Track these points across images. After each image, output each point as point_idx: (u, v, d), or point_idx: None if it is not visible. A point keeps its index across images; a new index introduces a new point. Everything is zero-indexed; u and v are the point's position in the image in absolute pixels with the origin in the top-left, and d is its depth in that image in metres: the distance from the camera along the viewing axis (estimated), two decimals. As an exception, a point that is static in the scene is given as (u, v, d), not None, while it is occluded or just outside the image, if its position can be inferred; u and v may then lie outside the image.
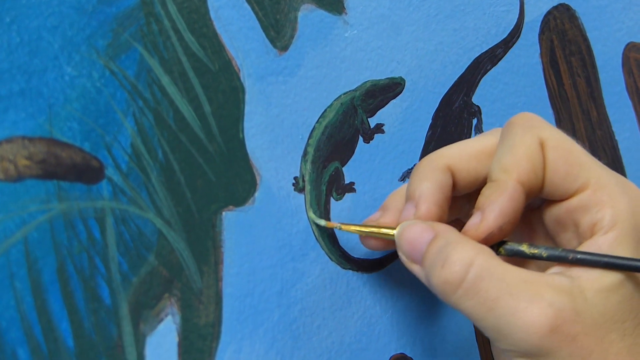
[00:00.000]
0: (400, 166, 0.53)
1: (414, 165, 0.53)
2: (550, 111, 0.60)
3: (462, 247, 0.41)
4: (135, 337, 0.43)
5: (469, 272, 0.40)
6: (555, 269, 0.42)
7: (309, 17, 0.50)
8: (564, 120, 0.60)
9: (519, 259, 0.45)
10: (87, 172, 0.42)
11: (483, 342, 0.55)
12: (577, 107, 0.61)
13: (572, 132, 0.61)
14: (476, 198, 0.44)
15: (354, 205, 0.51)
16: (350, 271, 0.50)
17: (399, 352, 0.52)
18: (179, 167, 0.44)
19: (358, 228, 0.48)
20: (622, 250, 0.41)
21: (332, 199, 0.50)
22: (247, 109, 0.47)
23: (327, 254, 0.49)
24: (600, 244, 0.41)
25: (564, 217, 0.44)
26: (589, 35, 0.62)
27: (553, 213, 0.45)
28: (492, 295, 0.40)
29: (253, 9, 0.47)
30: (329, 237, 0.50)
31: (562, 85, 0.60)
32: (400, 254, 0.45)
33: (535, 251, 0.43)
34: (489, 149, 0.46)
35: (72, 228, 0.41)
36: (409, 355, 0.52)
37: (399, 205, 0.47)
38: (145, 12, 0.44)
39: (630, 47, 0.64)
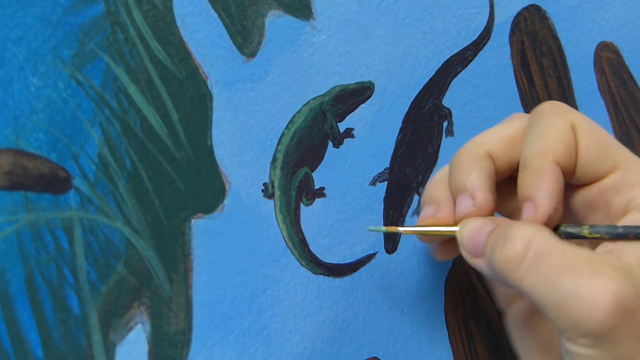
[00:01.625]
0: (370, 170, 0.53)
1: (385, 169, 0.53)
2: (521, 112, 0.60)
3: (522, 226, 0.41)
4: (105, 346, 0.43)
5: (530, 248, 0.40)
6: (601, 248, 0.42)
7: (276, 23, 0.50)
8: (536, 121, 0.60)
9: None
10: (54, 183, 0.42)
11: (456, 345, 0.56)
12: (549, 108, 0.61)
13: (544, 132, 0.61)
14: (508, 185, 0.45)
15: (324, 210, 0.51)
16: (322, 276, 0.50)
17: (371, 356, 0.52)
18: (146, 176, 0.44)
19: (421, 229, 0.48)
20: None
21: (302, 205, 0.50)
22: (215, 116, 0.47)
23: (297, 260, 0.49)
24: (637, 221, 0.42)
25: (595, 199, 0.44)
26: (560, 35, 0.62)
27: (583, 196, 0.45)
28: (555, 271, 0.39)
29: (220, 15, 0.47)
30: (299, 243, 0.50)
31: (533, 86, 0.61)
32: (462, 251, 0.45)
33: (596, 234, 0.43)
34: (519, 133, 0.46)
35: (40, 239, 0.41)
36: (381, 359, 0.52)
37: (448, 196, 0.47)
38: (111, 21, 0.44)
39: (602, 47, 0.64)
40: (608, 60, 0.65)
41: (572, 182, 0.45)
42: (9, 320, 0.40)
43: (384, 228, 0.50)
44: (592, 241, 0.44)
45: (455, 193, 0.46)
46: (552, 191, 0.42)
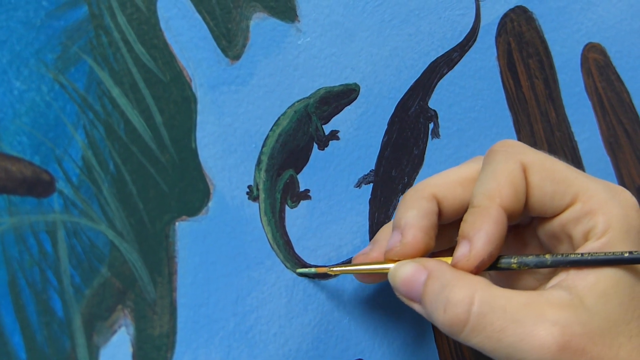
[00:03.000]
0: (355, 172, 0.53)
1: (370, 171, 0.53)
2: (508, 114, 0.60)
3: (460, 287, 0.42)
4: (89, 349, 0.43)
5: (471, 311, 0.41)
6: (553, 281, 0.43)
7: (261, 25, 0.50)
8: (522, 123, 0.60)
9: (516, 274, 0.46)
10: (37, 186, 0.42)
11: (442, 346, 0.56)
12: (536, 109, 0.61)
13: (531, 134, 0.61)
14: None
15: (309, 212, 0.51)
16: (307, 278, 0.50)
17: (357, 358, 0.52)
18: (130, 179, 0.44)
19: (350, 268, 0.49)
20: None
21: (286, 207, 0.50)
22: (199, 118, 0.47)
23: (282, 262, 0.50)
24: (593, 248, 0.42)
25: (557, 231, 0.45)
26: (546, 36, 0.62)
27: (546, 229, 0.45)
28: (498, 327, 0.40)
29: (204, 18, 0.47)
30: (284, 245, 0.50)
31: (520, 87, 0.61)
32: (397, 294, 0.45)
33: (525, 267, 0.44)
34: (473, 175, 0.46)
35: (23, 242, 0.41)
36: (367, 360, 0.52)
37: (388, 236, 0.47)
38: (95, 24, 0.44)
39: (589, 48, 0.65)
40: (595, 61, 0.65)
41: (532, 216, 0.45)
42: (-8, 324, 0.40)
43: (313, 270, 0.50)
44: (550, 269, 0.45)
45: (392, 230, 0.46)
46: (491, 236, 0.43)
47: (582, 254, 0.41)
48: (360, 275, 0.49)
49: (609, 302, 0.40)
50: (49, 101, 0.42)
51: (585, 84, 0.64)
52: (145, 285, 0.44)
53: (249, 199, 0.49)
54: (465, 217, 0.44)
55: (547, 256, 0.43)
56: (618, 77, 0.66)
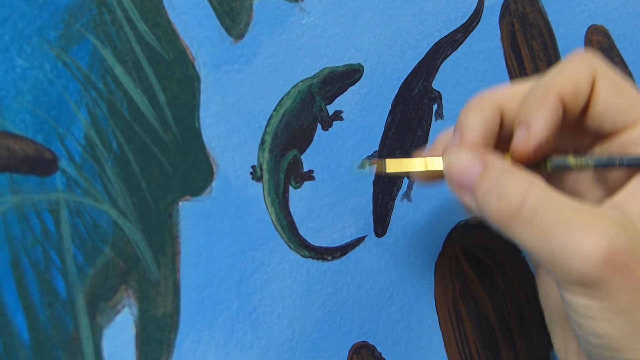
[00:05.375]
0: (359, 153, 0.53)
1: (374, 152, 0.53)
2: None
3: (517, 179, 0.41)
4: (92, 329, 0.42)
5: (524, 203, 0.40)
6: (608, 202, 0.42)
7: (264, 4, 0.49)
8: (526, 104, 0.60)
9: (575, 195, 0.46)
10: (40, 165, 0.41)
11: (446, 328, 0.56)
12: (539, 91, 0.61)
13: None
14: None
15: (313, 193, 0.51)
16: (310, 259, 0.50)
17: (361, 340, 0.52)
18: (134, 158, 0.44)
19: (406, 159, 0.46)
20: None
21: (290, 188, 0.50)
22: (202, 98, 0.47)
23: (286, 243, 0.49)
24: None
25: (615, 153, 0.44)
26: (550, 18, 0.62)
27: (605, 150, 0.45)
28: (548, 225, 0.39)
29: (207, -3, 0.47)
30: (288, 226, 0.49)
31: (523, 69, 0.60)
32: (449, 183, 0.44)
33: (581, 162, 0.43)
34: None
35: (26, 221, 0.41)
36: (371, 343, 0.52)
37: (447, 143, 0.47)
38: (97, 2, 0.43)
39: (593, 30, 0.64)
40: (599, 43, 0.65)
41: (589, 129, 0.45)
42: (-5, 304, 0.40)
43: (367, 163, 0.49)
44: (600, 194, 0.44)
45: (453, 133, 0.45)
46: (548, 120, 0.42)
47: (632, 156, 0.41)
48: (416, 175, 0.48)
49: None
50: (51, 79, 0.42)
51: (589, 67, 0.64)
52: (149, 265, 0.44)
53: (252, 179, 0.48)
54: (521, 104, 0.44)
55: (607, 156, 0.42)
56: (621, 59, 0.66)
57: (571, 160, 0.43)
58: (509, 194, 0.41)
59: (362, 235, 0.53)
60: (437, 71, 0.56)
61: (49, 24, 0.42)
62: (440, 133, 0.49)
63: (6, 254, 0.40)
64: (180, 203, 0.46)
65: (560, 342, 0.48)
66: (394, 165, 0.47)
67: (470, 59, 0.58)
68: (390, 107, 0.54)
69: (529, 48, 0.61)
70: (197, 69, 0.47)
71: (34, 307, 0.41)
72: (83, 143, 0.43)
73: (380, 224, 0.54)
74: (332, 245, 0.51)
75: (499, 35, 0.59)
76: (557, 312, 0.48)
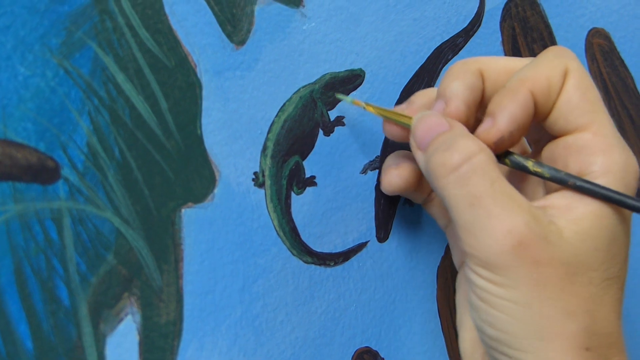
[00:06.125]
0: (361, 159, 0.53)
1: (376, 157, 0.53)
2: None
3: (470, 141, 0.42)
4: (95, 337, 0.42)
5: (466, 162, 0.41)
6: (541, 201, 0.43)
7: (266, 10, 0.49)
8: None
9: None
10: (42, 173, 0.41)
11: (449, 333, 0.56)
12: (540, 95, 0.61)
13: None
14: None
15: (315, 199, 0.51)
16: (313, 265, 0.50)
17: (364, 345, 0.52)
18: (136, 165, 0.44)
19: (381, 111, 0.48)
20: None
21: (292, 194, 0.50)
22: (204, 104, 0.47)
23: (288, 249, 0.49)
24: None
25: (557, 155, 0.44)
26: (551, 21, 0.62)
27: (551, 149, 0.45)
28: (477, 192, 0.40)
29: (209, 3, 0.47)
30: (290, 232, 0.49)
31: (524, 73, 0.60)
32: (411, 139, 0.45)
33: (538, 169, 0.43)
34: (519, 68, 0.46)
35: (29, 229, 0.41)
36: (374, 348, 0.52)
37: (425, 102, 0.48)
38: (99, 9, 0.43)
39: (594, 33, 0.64)
40: (599, 46, 0.65)
41: (545, 125, 0.45)
42: (-2, 312, 0.40)
43: (349, 99, 0.51)
44: (539, 191, 0.45)
45: (436, 98, 0.46)
46: (515, 115, 0.43)
47: (592, 183, 0.41)
48: (386, 125, 0.48)
49: (585, 243, 0.40)
50: (53, 87, 0.42)
51: (590, 69, 0.64)
52: (152, 272, 0.44)
53: (254, 185, 0.48)
54: (494, 97, 0.44)
55: (564, 172, 0.42)
56: (622, 62, 0.66)
57: (530, 165, 0.43)
58: (457, 150, 0.41)
59: (365, 241, 0.53)
60: (438, 76, 0.56)
61: (50, 31, 0.42)
62: (417, 93, 0.49)
63: (9, 262, 0.40)
64: (183, 210, 0.46)
65: (467, 342, 0.48)
66: (373, 109, 0.49)
67: (472, 63, 0.58)
68: (391, 112, 0.54)
69: (530, 51, 0.61)
70: (198, 75, 0.46)
71: (37, 316, 0.41)
72: (85, 151, 0.43)
73: (383, 229, 0.54)
74: (334, 251, 0.51)
75: (500, 39, 0.59)
76: (468, 314, 0.48)
